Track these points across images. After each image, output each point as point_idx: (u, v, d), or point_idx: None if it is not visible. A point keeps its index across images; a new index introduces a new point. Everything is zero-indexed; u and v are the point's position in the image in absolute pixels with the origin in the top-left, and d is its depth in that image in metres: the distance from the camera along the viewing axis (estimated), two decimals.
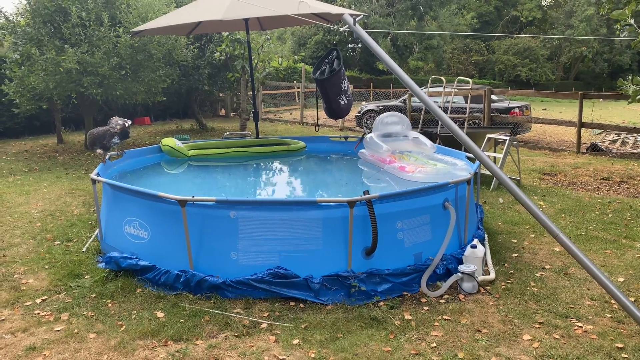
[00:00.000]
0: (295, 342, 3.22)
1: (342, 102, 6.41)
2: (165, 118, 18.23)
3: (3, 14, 10.87)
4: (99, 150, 5.32)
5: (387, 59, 3.49)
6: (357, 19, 3.60)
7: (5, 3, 32.19)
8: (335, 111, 6.56)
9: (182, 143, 6.82)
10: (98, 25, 9.55)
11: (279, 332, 3.36)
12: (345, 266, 3.83)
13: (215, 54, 13.01)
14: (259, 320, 3.51)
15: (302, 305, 3.72)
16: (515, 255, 4.76)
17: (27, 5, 10.06)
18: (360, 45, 38.71)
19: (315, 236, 3.84)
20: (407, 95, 13.49)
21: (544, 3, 46.70)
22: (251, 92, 11.92)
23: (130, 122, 5.76)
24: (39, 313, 3.68)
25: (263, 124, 15.98)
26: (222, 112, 20.32)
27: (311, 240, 3.84)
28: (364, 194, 3.77)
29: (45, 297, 3.94)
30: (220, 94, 18.13)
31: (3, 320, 3.58)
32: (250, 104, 14.71)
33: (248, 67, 11.33)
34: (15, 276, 4.35)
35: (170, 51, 11.05)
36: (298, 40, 38.97)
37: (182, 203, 3.81)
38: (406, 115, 10.51)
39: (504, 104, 12.85)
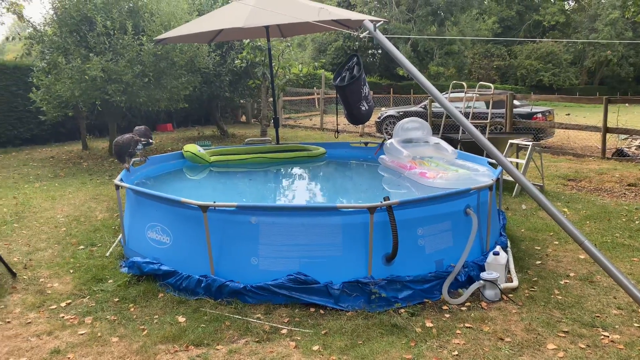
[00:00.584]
0: (315, 348, 3.22)
1: (363, 108, 6.41)
2: (187, 124, 18.45)
3: (31, 23, 11.18)
4: (126, 165, 5.42)
5: (407, 64, 3.48)
6: (377, 25, 3.60)
7: (33, 13, 33.10)
8: (357, 117, 6.57)
9: (204, 149, 6.89)
10: (122, 33, 9.74)
11: (299, 338, 3.36)
12: (365, 272, 3.82)
13: (236, 61, 13.13)
14: (279, 325, 3.51)
15: (322, 311, 3.71)
16: (539, 262, 4.68)
17: (54, 15, 10.31)
18: (380, 51, 38.68)
19: (336, 242, 3.83)
20: (427, 100, 13.42)
21: (567, 7, 46.06)
22: (271, 99, 11.99)
23: (144, 141, 5.80)
24: (63, 316, 3.74)
25: (283, 130, 16.05)
26: (243, 118, 20.49)
27: (331, 246, 3.83)
28: (385, 200, 3.76)
29: (69, 301, 4.00)
30: (241, 101, 18.28)
31: (29, 323, 3.66)
32: (270, 111, 14.79)
33: (268, 74, 11.41)
34: (41, 280, 4.44)
35: (192, 59, 11.20)
36: (318, 47, 39.11)
37: (204, 208, 3.84)
38: (427, 121, 10.44)
39: (526, 109, 12.68)
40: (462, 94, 11.37)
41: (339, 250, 3.83)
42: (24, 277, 4.50)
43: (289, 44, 13.77)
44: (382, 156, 6.43)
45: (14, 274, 4.48)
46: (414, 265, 3.93)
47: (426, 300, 3.85)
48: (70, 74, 9.43)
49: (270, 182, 6.13)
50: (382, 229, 3.81)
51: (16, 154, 12.28)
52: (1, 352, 3.25)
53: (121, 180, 4.91)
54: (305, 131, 16.77)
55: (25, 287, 4.28)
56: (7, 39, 14.77)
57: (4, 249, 5.21)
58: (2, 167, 10.44)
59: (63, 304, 3.95)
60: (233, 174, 6.49)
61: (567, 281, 4.23)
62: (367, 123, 9.17)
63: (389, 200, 3.76)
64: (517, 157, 7.95)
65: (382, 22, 4.04)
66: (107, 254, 4.98)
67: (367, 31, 3.57)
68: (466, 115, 10.52)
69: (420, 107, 14.29)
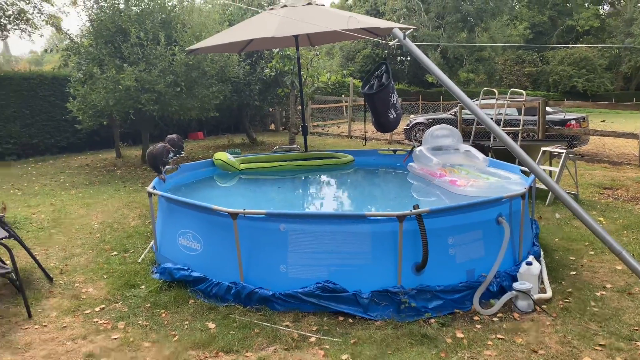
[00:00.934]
0: (344, 357, 3.20)
1: (391, 116, 6.39)
2: (217, 133, 18.72)
3: (68, 35, 11.55)
4: (162, 176, 5.51)
5: (437, 71, 3.46)
6: (406, 33, 3.59)
7: (71, 25, 34.28)
8: (384, 125, 6.55)
9: (234, 157, 6.97)
10: (155, 44, 9.96)
11: (327, 346, 3.35)
12: (394, 281, 3.78)
13: (266, 70, 13.28)
14: (307, 334, 3.51)
15: (350, 320, 3.70)
16: (574, 273, 4.55)
17: (91, 27, 10.63)
18: (409, 58, 38.50)
19: (364, 250, 3.82)
20: (457, 107, 13.28)
21: (601, 11, 44.95)
22: (300, 107, 12.06)
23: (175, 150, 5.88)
24: (97, 321, 3.82)
25: (311, 138, 16.11)
26: (272, 126, 20.66)
27: (360, 254, 3.82)
28: (414, 208, 3.73)
29: (103, 306, 4.09)
30: (270, 109, 18.47)
31: (65, 327, 3.75)
32: (299, 119, 14.90)
33: (297, 82, 11.49)
34: (76, 285, 4.55)
35: (223, 68, 11.38)
36: (346, 55, 39.17)
37: (234, 216, 3.88)
38: (457, 128, 10.33)
39: (559, 116, 12.41)
40: (493, 101, 11.21)
41: (368, 258, 3.81)
42: (60, 282, 4.62)
43: (318, 53, 13.84)
44: (411, 164, 6.39)
45: (50, 279, 4.62)
46: (444, 274, 3.88)
47: (457, 310, 3.79)
48: (105, 84, 9.69)
49: (299, 190, 6.15)
50: (411, 237, 3.77)
51: (53, 162, 12.67)
52: (38, 355, 3.34)
53: (154, 187, 5.01)
54: (333, 139, 16.80)
55: (61, 292, 4.40)
56: (45, 50, 15.30)
57: (42, 254, 5.37)
58: (40, 174, 10.78)
59: (97, 309, 4.04)
60: (262, 181, 6.54)
61: (604, 293, 4.11)
62: (395, 130, 9.11)
63: (418, 208, 3.73)
64: (550, 165, 7.78)
65: (411, 29, 4.02)
66: (140, 260, 5.08)
67: (397, 39, 3.56)
68: (497, 122, 10.36)
69: (450, 114, 14.15)
